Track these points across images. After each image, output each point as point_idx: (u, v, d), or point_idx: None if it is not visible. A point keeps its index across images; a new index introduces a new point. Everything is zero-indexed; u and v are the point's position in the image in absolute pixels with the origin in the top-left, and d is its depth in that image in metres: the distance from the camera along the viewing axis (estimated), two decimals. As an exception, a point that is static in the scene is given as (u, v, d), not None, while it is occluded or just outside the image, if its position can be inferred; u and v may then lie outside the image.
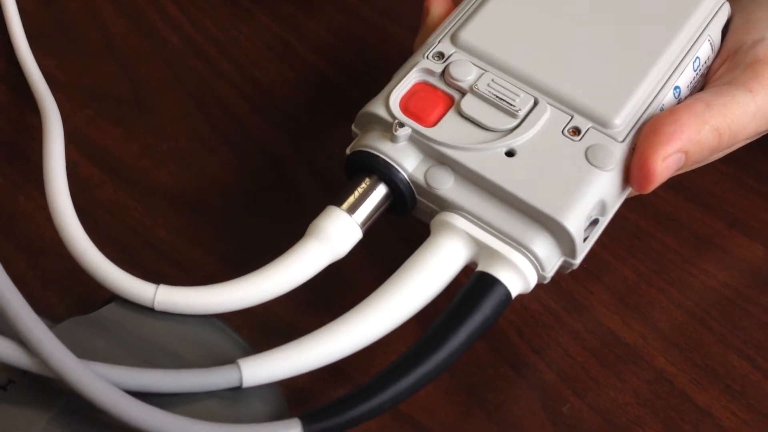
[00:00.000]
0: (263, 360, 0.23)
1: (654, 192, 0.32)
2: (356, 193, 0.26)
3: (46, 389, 0.23)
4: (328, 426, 0.23)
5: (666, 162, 0.25)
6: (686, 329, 0.29)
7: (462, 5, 0.29)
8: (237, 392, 0.24)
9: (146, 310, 0.25)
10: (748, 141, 0.29)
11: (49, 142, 0.30)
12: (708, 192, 0.33)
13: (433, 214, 0.26)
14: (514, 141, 0.25)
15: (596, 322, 0.30)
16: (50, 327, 0.25)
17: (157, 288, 0.25)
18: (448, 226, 0.25)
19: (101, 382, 0.22)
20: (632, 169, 0.25)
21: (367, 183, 0.26)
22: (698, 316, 0.30)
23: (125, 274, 0.25)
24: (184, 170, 0.33)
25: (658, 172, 0.25)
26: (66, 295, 0.29)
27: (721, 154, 0.29)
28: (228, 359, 0.24)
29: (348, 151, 0.26)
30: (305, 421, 0.22)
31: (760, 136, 0.29)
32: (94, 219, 0.31)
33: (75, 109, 0.35)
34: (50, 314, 0.26)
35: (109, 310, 0.25)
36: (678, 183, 0.33)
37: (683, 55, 0.27)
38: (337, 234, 0.25)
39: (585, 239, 0.25)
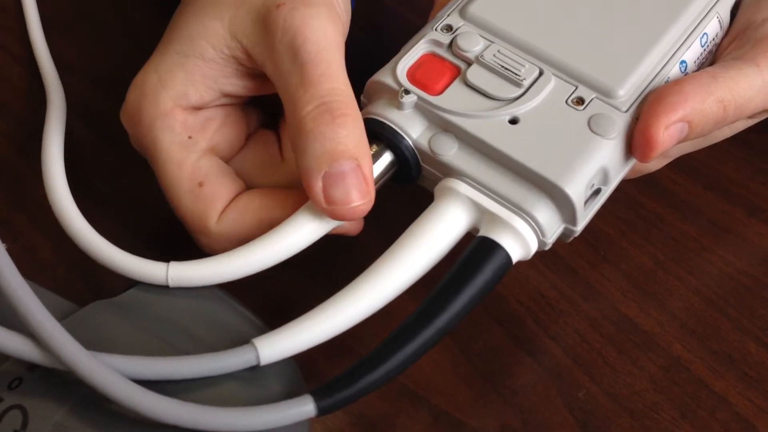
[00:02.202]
0: (277, 337, 0.24)
1: (673, 179, 0.33)
2: None
3: (67, 376, 0.23)
4: (340, 398, 0.23)
5: (668, 131, 0.25)
6: (703, 316, 0.29)
7: None
8: (255, 372, 0.24)
9: (167, 294, 0.26)
10: (755, 117, 0.29)
11: (48, 132, 0.30)
12: (728, 180, 0.33)
13: (437, 181, 0.26)
14: (518, 109, 0.25)
15: (613, 309, 0.30)
16: (74, 311, 0.26)
17: (168, 266, 0.25)
18: (451, 192, 0.25)
19: (112, 373, 0.22)
20: (635, 137, 0.25)
21: (374, 150, 0.26)
22: (716, 303, 0.30)
23: (135, 257, 0.26)
24: (204, 157, 0.34)
25: (660, 140, 0.25)
26: (90, 279, 0.30)
27: (728, 131, 0.29)
28: (245, 337, 0.24)
29: None
30: (317, 396, 0.23)
31: (756, 119, 0.29)
32: (116, 206, 0.32)
33: (97, 98, 0.35)
34: (75, 298, 0.27)
35: (132, 294, 0.26)
36: (697, 170, 0.33)
37: (691, 31, 0.28)
38: None
39: (586, 207, 0.26)
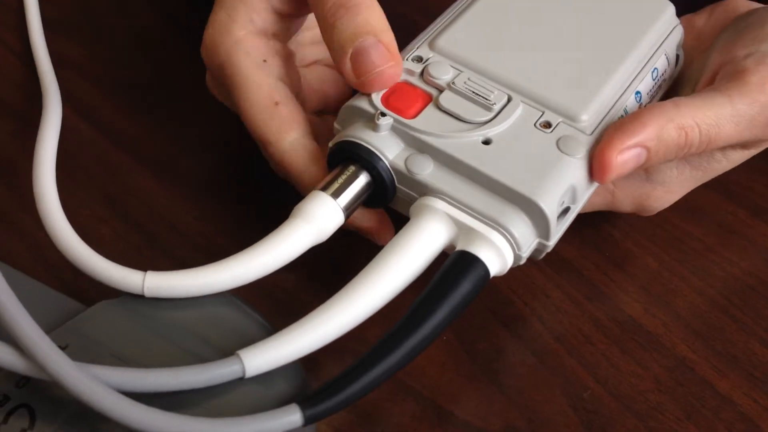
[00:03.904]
0: (263, 348, 0.24)
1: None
2: (340, 180, 0.27)
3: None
4: (326, 407, 0.23)
5: (623, 155, 0.26)
6: (708, 317, 0.30)
7: (440, 17, 0.30)
8: (263, 375, 0.24)
9: (173, 295, 0.26)
10: (749, 148, 0.29)
11: (43, 134, 0.30)
12: (733, 182, 0.33)
13: (411, 202, 0.27)
14: (490, 131, 0.27)
15: (617, 310, 0.30)
16: (81, 310, 0.26)
17: (144, 275, 0.25)
18: (429, 209, 0.26)
19: (98, 385, 0.22)
20: (593, 160, 0.26)
21: (351, 170, 0.27)
22: (720, 304, 0.30)
23: (112, 264, 0.26)
24: (210, 157, 0.34)
25: (614, 164, 0.26)
26: (97, 279, 0.30)
27: (726, 163, 0.29)
28: (251, 338, 0.24)
29: (331, 144, 0.27)
30: (303, 405, 0.23)
31: (753, 150, 0.29)
32: (122, 205, 0.32)
33: (103, 98, 0.36)
34: (81, 298, 0.27)
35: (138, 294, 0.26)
36: (701, 172, 0.33)
37: (643, 65, 0.29)
38: (322, 216, 0.26)
39: (558, 223, 0.26)
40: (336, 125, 0.28)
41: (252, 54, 0.29)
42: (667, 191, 0.30)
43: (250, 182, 0.33)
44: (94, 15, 0.39)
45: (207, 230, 0.32)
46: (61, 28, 0.38)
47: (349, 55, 0.27)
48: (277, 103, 0.29)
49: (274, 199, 0.33)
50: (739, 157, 0.29)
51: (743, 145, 0.29)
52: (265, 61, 0.29)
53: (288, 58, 0.31)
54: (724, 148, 0.29)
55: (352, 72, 0.27)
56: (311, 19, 0.31)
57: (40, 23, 0.37)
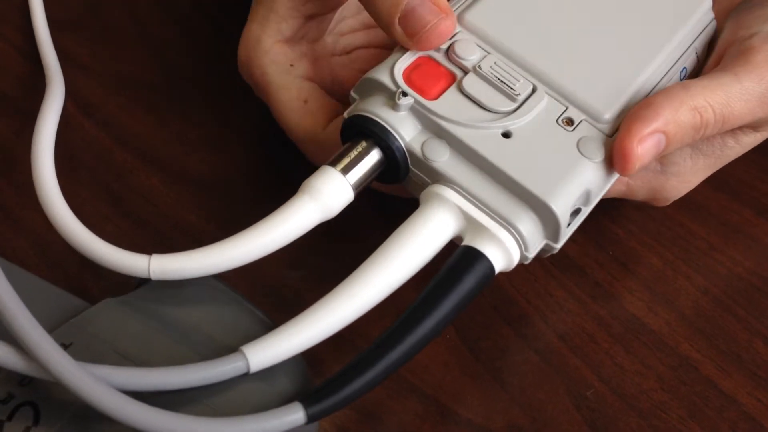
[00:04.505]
0: (266, 343, 0.24)
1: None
2: (351, 155, 0.26)
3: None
4: (329, 405, 0.23)
5: (643, 144, 0.25)
6: (712, 316, 0.29)
7: None
8: (266, 372, 0.24)
9: (177, 293, 0.26)
10: (760, 130, 0.29)
11: (41, 124, 0.30)
12: (737, 180, 0.33)
13: (423, 186, 0.26)
14: (511, 123, 0.26)
15: (621, 309, 0.30)
16: (85, 308, 0.26)
17: (150, 258, 0.25)
18: (440, 198, 0.25)
19: (100, 385, 0.22)
20: (613, 153, 0.26)
21: (363, 146, 0.26)
22: (724, 303, 0.30)
23: (117, 249, 0.25)
24: (214, 156, 0.34)
25: (635, 153, 0.25)
26: (101, 276, 0.30)
27: (738, 149, 0.29)
28: (254, 336, 0.24)
29: (346, 114, 0.27)
30: (306, 403, 0.23)
31: (765, 132, 0.29)
32: (126, 204, 0.32)
33: (108, 97, 0.36)
34: (86, 295, 0.27)
35: (143, 291, 0.26)
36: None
37: (672, 64, 0.28)
38: (329, 192, 0.25)
39: (568, 226, 0.26)
40: (353, 93, 0.27)
41: (279, 60, 0.30)
42: (682, 181, 0.29)
43: (253, 181, 0.33)
44: (100, 14, 0.39)
45: (210, 229, 0.32)
46: (67, 26, 0.38)
47: (397, 21, 0.26)
48: (306, 101, 0.29)
49: (277, 198, 0.33)
50: (752, 140, 0.29)
51: (754, 128, 0.28)
52: (291, 65, 0.30)
53: (316, 58, 0.31)
54: (735, 132, 0.28)
55: (404, 36, 0.26)
56: (347, 8, 0.31)
57: (44, 14, 0.37)
